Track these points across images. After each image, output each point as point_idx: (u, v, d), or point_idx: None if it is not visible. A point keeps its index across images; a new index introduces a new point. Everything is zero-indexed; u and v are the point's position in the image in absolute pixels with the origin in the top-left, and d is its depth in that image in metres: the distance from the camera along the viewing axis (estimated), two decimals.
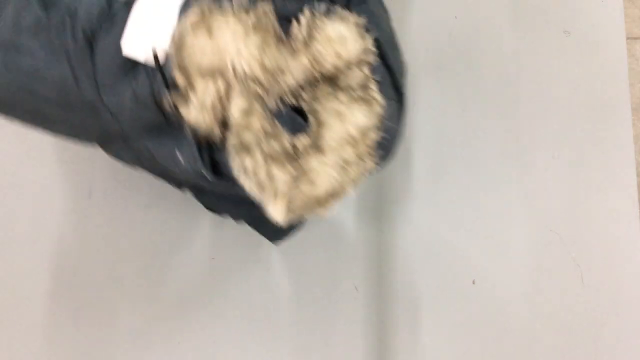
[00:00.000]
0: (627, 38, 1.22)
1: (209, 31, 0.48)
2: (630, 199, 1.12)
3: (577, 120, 1.16)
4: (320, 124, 0.51)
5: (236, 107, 0.47)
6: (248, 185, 0.50)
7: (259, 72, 0.47)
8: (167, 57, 0.49)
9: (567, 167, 1.13)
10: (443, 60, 1.20)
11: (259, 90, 0.47)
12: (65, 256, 1.06)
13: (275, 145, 0.49)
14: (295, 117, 0.51)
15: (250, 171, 0.49)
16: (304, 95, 0.50)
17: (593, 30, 1.21)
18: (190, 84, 0.49)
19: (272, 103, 0.49)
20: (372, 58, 0.53)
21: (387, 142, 0.58)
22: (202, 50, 0.48)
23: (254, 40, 0.48)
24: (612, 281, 1.07)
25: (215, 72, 0.48)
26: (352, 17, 0.51)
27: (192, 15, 0.49)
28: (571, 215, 1.10)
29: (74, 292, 1.04)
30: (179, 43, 0.49)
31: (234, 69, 0.47)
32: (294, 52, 0.49)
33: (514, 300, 1.03)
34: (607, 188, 1.12)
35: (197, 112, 0.49)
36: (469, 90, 1.18)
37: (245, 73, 0.47)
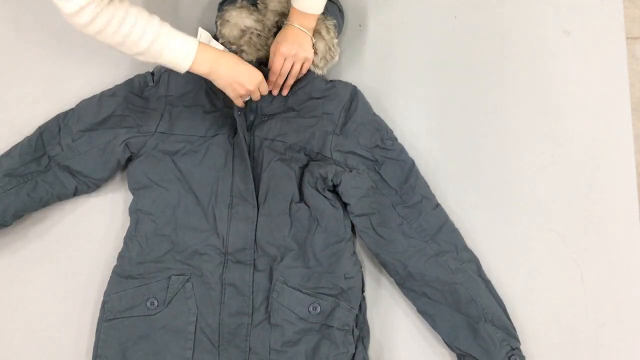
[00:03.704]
0: (627, 38, 1.22)
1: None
2: (630, 199, 1.12)
3: (577, 120, 1.16)
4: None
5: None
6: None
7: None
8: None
9: (567, 167, 1.13)
10: (443, 60, 1.20)
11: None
12: (65, 256, 1.06)
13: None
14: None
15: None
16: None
17: (593, 30, 1.21)
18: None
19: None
20: None
21: None
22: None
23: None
24: (612, 281, 1.07)
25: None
26: None
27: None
28: (571, 215, 1.10)
29: (73, 293, 1.05)
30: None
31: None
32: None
33: (514, 300, 1.03)
34: (607, 188, 1.12)
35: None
36: (468, 90, 1.18)
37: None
